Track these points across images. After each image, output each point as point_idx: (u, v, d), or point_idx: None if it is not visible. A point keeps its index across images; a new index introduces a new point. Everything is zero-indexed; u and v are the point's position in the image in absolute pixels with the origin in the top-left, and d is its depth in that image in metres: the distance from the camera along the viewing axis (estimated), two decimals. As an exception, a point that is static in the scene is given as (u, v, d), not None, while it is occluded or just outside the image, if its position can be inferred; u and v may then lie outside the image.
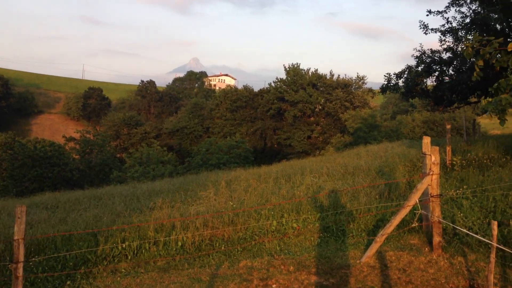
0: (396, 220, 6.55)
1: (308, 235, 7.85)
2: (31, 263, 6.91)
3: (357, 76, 56.62)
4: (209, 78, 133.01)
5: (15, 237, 5.78)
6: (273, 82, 61.20)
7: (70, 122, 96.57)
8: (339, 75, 58.11)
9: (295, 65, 59.33)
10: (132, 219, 9.31)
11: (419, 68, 16.55)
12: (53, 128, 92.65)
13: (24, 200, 16.13)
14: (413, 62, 21.75)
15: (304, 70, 59.17)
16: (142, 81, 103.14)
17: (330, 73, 58.51)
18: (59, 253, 7.27)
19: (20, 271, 5.73)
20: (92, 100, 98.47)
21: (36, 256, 7.10)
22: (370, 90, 54.90)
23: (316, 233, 7.93)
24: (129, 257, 7.47)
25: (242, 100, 62.09)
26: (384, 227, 6.62)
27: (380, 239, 6.56)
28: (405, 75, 19.63)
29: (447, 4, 15.66)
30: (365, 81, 56.37)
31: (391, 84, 24.29)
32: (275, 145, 59.90)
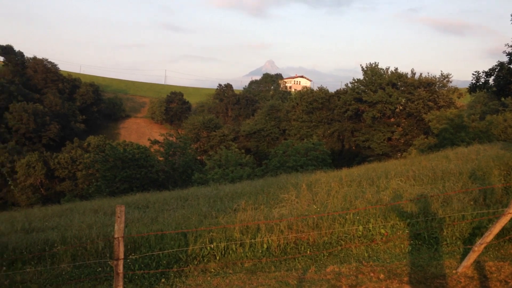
0: (496, 229, 6.13)
1: (397, 242, 7.59)
2: (128, 261, 7.35)
3: (441, 74, 53.76)
4: (284, 80, 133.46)
5: (116, 235, 6.16)
6: (350, 82, 59.98)
7: (154, 126, 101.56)
8: (421, 74, 55.53)
9: (373, 65, 57.66)
10: (219, 220, 9.57)
11: (512, 65, 15.36)
12: (139, 132, 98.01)
13: (117, 200, 17.21)
14: (504, 59, 20.26)
15: (383, 69, 57.30)
16: (220, 85, 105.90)
17: (412, 71, 56.10)
18: (153, 251, 7.67)
19: (121, 268, 6.11)
20: (173, 104, 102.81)
21: (133, 254, 7.54)
22: (456, 89, 51.86)
23: (406, 240, 7.64)
24: (218, 258, 7.70)
25: (318, 102, 61.50)
26: (483, 236, 6.22)
27: (478, 248, 6.17)
28: (496, 73, 18.34)
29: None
30: (450, 79, 53.33)
31: (480, 83, 22.82)
32: (353, 147, 58.62)
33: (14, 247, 8.44)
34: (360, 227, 8.11)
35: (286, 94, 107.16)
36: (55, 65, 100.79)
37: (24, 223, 11.42)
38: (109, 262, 7.22)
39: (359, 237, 7.95)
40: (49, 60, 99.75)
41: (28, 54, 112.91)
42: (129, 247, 7.89)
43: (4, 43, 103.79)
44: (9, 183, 45.41)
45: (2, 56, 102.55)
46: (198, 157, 53.43)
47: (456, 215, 7.94)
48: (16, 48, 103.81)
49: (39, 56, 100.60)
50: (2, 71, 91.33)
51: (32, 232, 10.18)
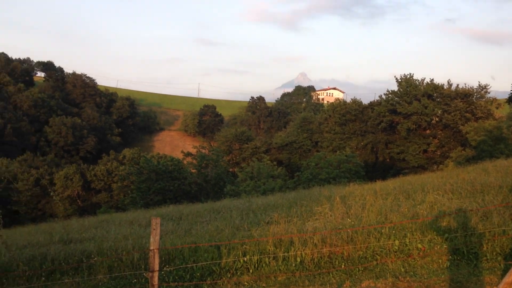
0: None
1: (435, 257, 7.38)
2: (163, 272, 7.42)
3: (479, 85, 52.32)
4: (316, 92, 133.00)
5: (151, 247, 6.24)
6: (384, 94, 59.10)
7: (188, 138, 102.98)
8: (458, 85, 54.23)
9: (408, 76, 56.74)
10: (251, 232, 9.55)
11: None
12: (173, 144, 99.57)
13: (151, 211, 17.46)
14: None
15: (418, 80, 56.29)
16: (252, 97, 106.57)
17: (448, 82, 54.88)
18: (187, 263, 7.72)
19: (156, 280, 6.17)
20: (206, 117, 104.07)
21: (167, 266, 7.61)
22: (494, 100, 50.29)
23: (444, 255, 7.41)
24: (251, 271, 7.67)
25: (351, 114, 60.91)
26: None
27: (521, 265, 5.92)
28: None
29: None
30: (488, 90, 51.81)
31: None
32: (387, 159, 57.57)
33: (53, 258, 8.67)
34: (397, 242, 7.93)
35: (318, 106, 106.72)
36: (93, 80, 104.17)
37: (62, 234, 11.75)
38: (144, 274, 7.32)
39: (395, 252, 7.77)
40: (87, 75, 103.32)
41: (68, 69, 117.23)
42: (163, 259, 7.96)
43: (45, 60, 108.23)
44: (51, 194, 46.84)
45: (43, 72, 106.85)
46: (230, 169, 53.69)
47: (497, 230, 7.65)
48: (57, 64, 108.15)
49: (78, 72, 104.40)
50: (43, 86, 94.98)
51: (70, 243, 10.45)
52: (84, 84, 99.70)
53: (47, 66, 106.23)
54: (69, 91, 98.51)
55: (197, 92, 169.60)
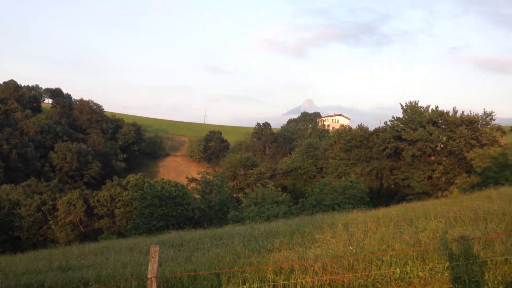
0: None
1: (436, 286, 7.26)
2: (161, 300, 7.35)
3: (484, 112, 52.43)
4: (322, 118, 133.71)
5: (149, 276, 6.23)
6: (389, 120, 59.36)
7: (193, 164, 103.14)
8: (463, 112, 54.33)
9: (413, 103, 57.04)
10: (252, 259, 9.47)
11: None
12: (178, 170, 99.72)
13: (153, 238, 17.38)
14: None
15: (423, 107, 56.56)
16: (258, 124, 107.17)
17: (453, 109, 55.02)
18: (186, 291, 7.65)
19: (153, 307, 6.13)
20: (212, 143, 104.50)
21: (165, 293, 7.54)
22: (499, 128, 50.25)
23: (445, 283, 7.29)
24: (250, 299, 7.57)
25: (357, 140, 60.98)
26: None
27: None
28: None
29: None
30: (493, 117, 51.84)
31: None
32: (392, 186, 57.26)
33: (50, 285, 8.62)
34: (398, 270, 7.83)
35: (324, 132, 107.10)
36: (100, 106, 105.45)
37: (61, 261, 11.69)
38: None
39: (396, 280, 7.65)
40: (94, 101, 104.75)
41: (76, 96, 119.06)
42: (162, 286, 7.90)
43: (53, 87, 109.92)
44: (50, 222, 46.73)
45: (51, 98, 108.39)
46: (235, 195, 53.52)
47: (499, 259, 7.54)
48: (65, 91, 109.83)
49: (86, 98, 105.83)
50: (50, 113, 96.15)
51: (68, 270, 10.39)
52: (91, 110, 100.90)
53: (55, 93, 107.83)
54: (76, 117, 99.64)
55: (203, 118, 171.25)
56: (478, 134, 49.63)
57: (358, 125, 66.51)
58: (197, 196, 36.41)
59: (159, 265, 9.82)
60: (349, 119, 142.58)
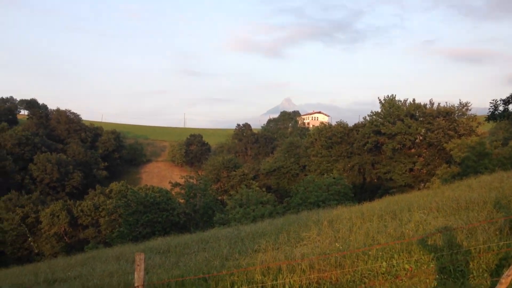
0: (524, 260, 5.92)
1: (422, 277, 7.36)
2: (149, 308, 7.29)
3: (460, 102, 53.39)
4: (302, 116, 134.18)
5: (136, 284, 6.16)
6: (368, 115, 59.91)
7: (175, 168, 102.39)
8: (439, 103, 55.16)
9: (390, 97, 57.66)
10: (240, 262, 9.45)
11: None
12: (161, 175, 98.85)
13: (139, 245, 17.21)
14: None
15: (401, 101, 57.23)
16: (238, 125, 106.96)
17: (430, 102, 55.83)
18: (174, 297, 7.59)
19: (141, 316, 6.06)
20: (193, 147, 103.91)
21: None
22: (474, 118, 51.25)
23: (431, 274, 7.41)
24: (239, 301, 7.56)
25: (337, 136, 61.37)
26: (510, 267, 6.01)
27: (505, 280, 5.94)
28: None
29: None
30: (469, 108, 52.82)
31: (499, 111, 22.50)
32: (375, 180, 57.85)
33: (37, 298, 8.48)
34: (384, 263, 7.91)
35: (304, 130, 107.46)
36: (78, 115, 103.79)
37: (47, 274, 11.50)
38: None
39: (383, 274, 7.74)
40: (72, 111, 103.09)
41: (52, 106, 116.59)
42: (151, 294, 7.84)
43: (29, 97, 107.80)
44: (29, 239, 45.91)
45: (27, 109, 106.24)
46: (219, 197, 53.33)
47: (482, 247, 7.69)
48: (40, 101, 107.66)
49: (62, 108, 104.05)
50: (27, 124, 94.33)
51: (54, 283, 10.23)
52: (69, 120, 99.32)
53: (31, 104, 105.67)
54: (54, 127, 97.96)
55: (183, 123, 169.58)
56: (456, 124, 50.55)
57: (338, 122, 66.94)
58: (182, 201, 36.16)
59: (146, 273, 9.74)
60: (328, 116, 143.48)
